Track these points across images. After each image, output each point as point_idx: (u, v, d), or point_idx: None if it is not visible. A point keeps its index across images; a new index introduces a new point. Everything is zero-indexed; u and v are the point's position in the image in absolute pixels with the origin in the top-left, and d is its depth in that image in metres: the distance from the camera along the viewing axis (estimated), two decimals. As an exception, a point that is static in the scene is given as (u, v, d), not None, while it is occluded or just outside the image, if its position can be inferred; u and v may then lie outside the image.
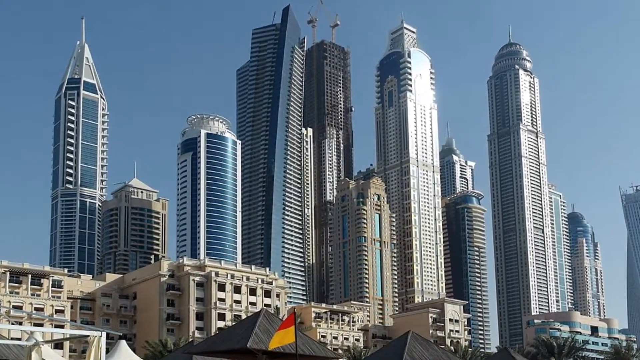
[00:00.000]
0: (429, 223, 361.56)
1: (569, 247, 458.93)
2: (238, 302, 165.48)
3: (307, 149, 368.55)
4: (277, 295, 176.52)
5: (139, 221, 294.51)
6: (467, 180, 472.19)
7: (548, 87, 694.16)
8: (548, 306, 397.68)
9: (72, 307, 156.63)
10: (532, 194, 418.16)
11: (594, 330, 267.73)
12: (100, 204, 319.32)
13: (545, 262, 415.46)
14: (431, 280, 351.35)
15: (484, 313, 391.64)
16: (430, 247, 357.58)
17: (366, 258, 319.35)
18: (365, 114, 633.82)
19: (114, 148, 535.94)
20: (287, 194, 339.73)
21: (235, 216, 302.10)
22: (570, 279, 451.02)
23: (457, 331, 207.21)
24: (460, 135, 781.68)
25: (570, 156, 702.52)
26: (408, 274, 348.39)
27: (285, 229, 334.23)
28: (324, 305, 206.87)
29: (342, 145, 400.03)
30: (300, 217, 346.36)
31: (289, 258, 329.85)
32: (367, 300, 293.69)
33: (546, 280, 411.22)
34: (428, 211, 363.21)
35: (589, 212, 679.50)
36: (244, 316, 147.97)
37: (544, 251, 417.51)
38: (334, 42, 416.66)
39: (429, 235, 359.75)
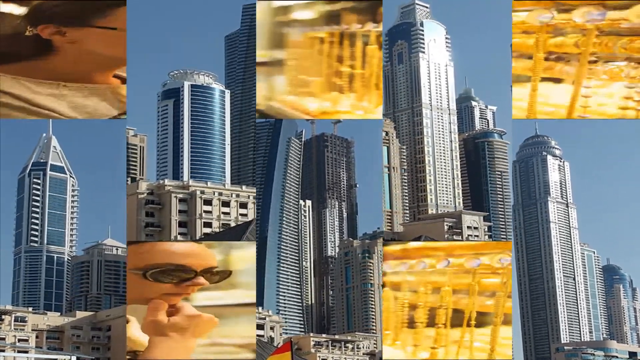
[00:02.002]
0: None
1: (603, 293, 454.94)
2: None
3: (305, 215, 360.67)
4: (272, 328, 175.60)
5: (114, 272, 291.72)
6: (487, 121, 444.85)
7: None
8: (580, 335, 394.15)
9: (37, 337, 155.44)
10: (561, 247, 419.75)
11: (633, 355, 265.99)
12: (70, 258, 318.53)
13: (576, 292, 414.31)
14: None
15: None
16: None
17: (372, 301, 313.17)
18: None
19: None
20: (282, 252, 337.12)
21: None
22: (605, 314, 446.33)
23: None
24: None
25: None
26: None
27: (281, 277, 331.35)
28: (324, 335, 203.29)
29: (345, 213, 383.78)
30: (297, 269, 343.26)
31: (284, 299, 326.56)
32: (374, 332, 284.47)
33: (577, 309, 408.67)
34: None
35: (626, 265, 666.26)
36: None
37: (575, 291, 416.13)
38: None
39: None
